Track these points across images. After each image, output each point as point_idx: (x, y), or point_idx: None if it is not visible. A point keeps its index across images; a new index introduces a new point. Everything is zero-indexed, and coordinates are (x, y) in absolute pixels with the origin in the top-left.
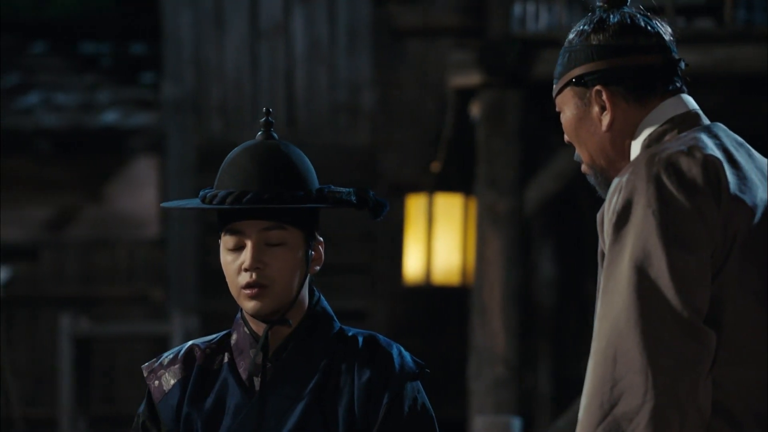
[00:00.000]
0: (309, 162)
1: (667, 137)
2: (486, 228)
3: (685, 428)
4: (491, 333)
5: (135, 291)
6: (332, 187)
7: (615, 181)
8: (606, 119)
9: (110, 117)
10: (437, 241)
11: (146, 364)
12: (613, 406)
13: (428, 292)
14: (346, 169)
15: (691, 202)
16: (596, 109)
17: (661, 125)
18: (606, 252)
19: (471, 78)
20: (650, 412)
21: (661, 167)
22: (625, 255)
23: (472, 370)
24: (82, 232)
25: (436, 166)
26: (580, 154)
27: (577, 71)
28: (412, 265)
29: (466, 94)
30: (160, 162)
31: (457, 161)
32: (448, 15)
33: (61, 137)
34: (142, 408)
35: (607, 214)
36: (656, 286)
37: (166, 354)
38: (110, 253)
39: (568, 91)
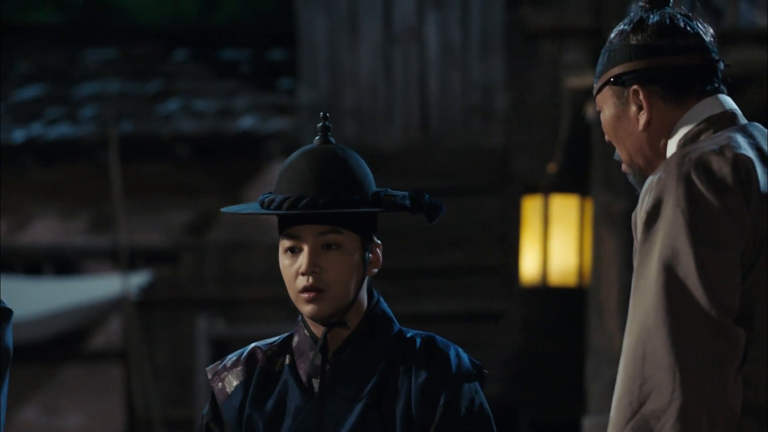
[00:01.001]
0: (366, 166)
1: (702, 137)
2: (602, 229)
3: (714, 427)
4: (608, 333)
5: (271, 293)
6: (388, 190)
7: (648, 181)
8: (643, 119)
9: (247, 122)
10: (553, 242)
11: (210, 366)
12: (641, 404)
13: (575, 293)
14: (479, 171)
15: (721, 202)
16: (633, 108)
17: (697, 125)
18: (637, 251)
19: (586, 79)
20: (678, 410)
21: (692, 166)
22: (655, 254)
23: (590, 371)
24: (220, 236)
25: (552, 167)
26: (620, 153)
27: (616, 70)
28: (529, 266)
29: (581, 95)
30: None
31: (573, 162)
32: (580, 16)
33: (199, 143)
34: (206, 410)
35: (639, 212)
36: (684, 284)
37: (229, 356)
38: (248, 256)
39: (606, 90)
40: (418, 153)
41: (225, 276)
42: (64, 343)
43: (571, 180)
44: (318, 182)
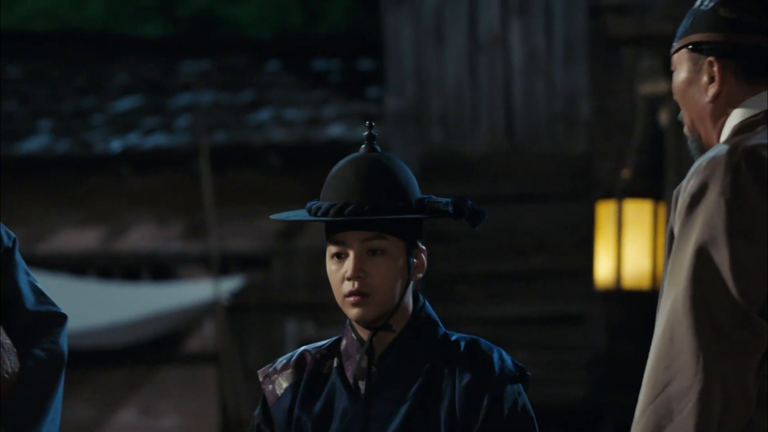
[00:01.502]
0: (410, 173)
1: (759, 128)
2: None
3: (729, 414)
4: None
5: None
6: (432, 197)
7: (696, 163)
8: (712, 90)
9: (336, 131)
10: (628, 247)
11: (262, 369)
12: (666, 385)
13: (649, 296)
14: (562, 176)
15: (765, 198)
16: (705, 78)
17: (755, 115)
18: (676, 232)
19: (659, 85)
20: (698, 393)
21: (742, 158)
22: (692, 238)
23: None
24: (310, 242)
25: (626, 173)
26: (684, 116)
27: (696, 37)
28: (604, 270)
29: (656, 102)
30: None
31: (647, 168)
32: (663, 23)
33: (289, 151)
34: (257, 411)
35: (682, 194)
36: (717, 272)
37: (280, 359)
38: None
39: (684, 53)
40: (502, 159)
41: (314, 280)
42: (160, 347)
43: (646, 185)
44: (363, 190)
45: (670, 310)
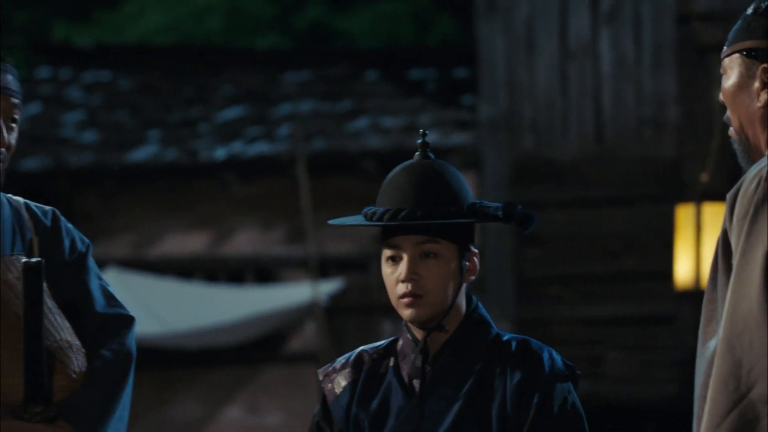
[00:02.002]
0: (462, 179)
1: None
2: None
3: None
4: None
5: None
6: (483, 202)
7: (757, 167)
8: (764, 96)
9: (430, 137)
10: (706, 249)
11: (322, 369)
12: (749, 389)
13: None
14: (651, 180)
15: None
16: (758, 84)
17: None
18: (735, 238)
19: None
20: None
21: None
22: (761, 245)
23: None
24: None
25: (705, 176)
26: (731, 118)
27: (750, 44)
28: (683, 272)
29: None
30: (477, 178)
31: (726, 171)
32: None
33: (385, 157)
34: (317, 409)
35: (741, 199)
36: None
37: (339, 359)
38: None
39: (736, 58)
40: (593, 164)
41: None
42: (264, 346)
43: (725, 188)
44: (416, 195)
45: (745, 317)
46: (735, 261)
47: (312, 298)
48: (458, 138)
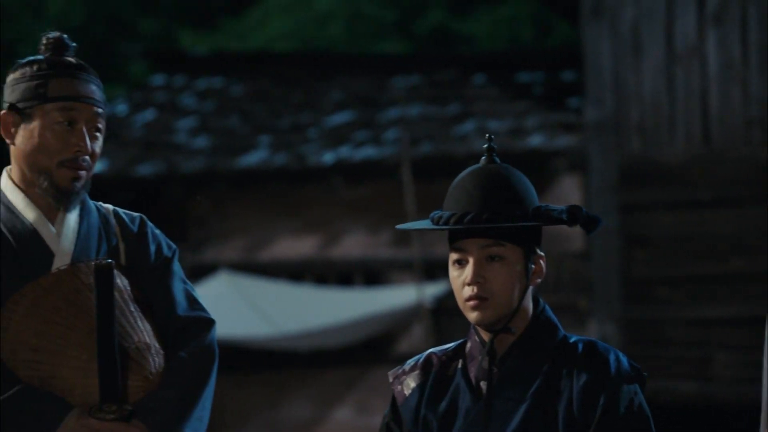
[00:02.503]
0: (528, 183)
1: None
2: None
3: None
4: None
5: (562, 300)
6: (549, 206)
7: None
8: None
9: (536, 140)
10: None
11: (392, 371)
12: None
13: None
14: (759, 181)
15: None
16: None
17: None
18: None
19: None
20: None
21: None
22: None
23: None
24: None
25: None
26: None
27: None
28: None
29: None
30: (583, 180)
31: None
32: None
33: None
34: (387, 411)
35: None
36: None
37: (409, 362)
38: None
39: None
40: (700, 165)
41: None
42: (373, 348)
43: None
44: (482, 199)
45: None
46: None
47: (417, 300)
48: (564, 141)
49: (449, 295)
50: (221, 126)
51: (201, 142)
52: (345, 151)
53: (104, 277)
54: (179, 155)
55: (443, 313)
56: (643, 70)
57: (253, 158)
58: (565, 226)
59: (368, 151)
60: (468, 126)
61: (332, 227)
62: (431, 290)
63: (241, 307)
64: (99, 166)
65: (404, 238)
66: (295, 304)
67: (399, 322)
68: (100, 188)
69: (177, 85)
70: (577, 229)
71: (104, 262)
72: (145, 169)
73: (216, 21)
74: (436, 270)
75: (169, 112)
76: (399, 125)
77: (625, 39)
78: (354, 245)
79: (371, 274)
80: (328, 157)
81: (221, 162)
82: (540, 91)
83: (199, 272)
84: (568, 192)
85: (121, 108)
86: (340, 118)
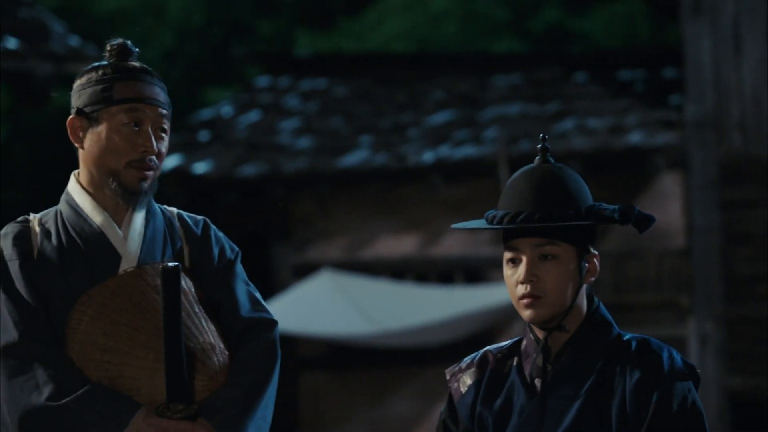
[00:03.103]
0: (582, 182)
1: None
2: None
3: None
4: None
5: (663, 298)
6: (602, 205)
7: None
8: None
9: (635, 138)
10: None
11: (449, 368)
12: None
13: None
14: None
15: None
16: None
17: None
18: None
19: None
20: None
21: None
22: None
23: None
24: (614, 245)
25: None
26: None
27: None
28: None
29: None
30: (683, 177)
31: None
32: None
33: (590, 159)
34: (443, 408)
35: None
36: None
37: (465, 359)
38: (640, 263)
39: None
40: None
41: (619, 282)
42: (475, 345)
43: None
44: (535, 199)
45: None
46: None
47: None
48: (664, 138)
49: None
50: (324, 127)
51: (304, 142)
52: (444, 150)
53: (171, 280)
54: (282, 156)
55: None
56: (744, 67)
57: (354, 158)
58: (663, 225)
59: (467, 150)
60: (567, 124)
61: (432, 226)
62: None
63: (343, 305)
64: (204, 167)
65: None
66: (396, 303)
67: (499, 319)
68: (205, 189)
69: (282, 87)
70: (678, 227)
71: (171, 264)
72: (248, 170)
73: (333, 22)
74: None
75: (274, 113)
76: (499, 124)
77: (725, 36)
78: (454, 244)
79: (471, 272)
80: (428, 157)
81: (323, 162)
82: (641, 89)
83: (302, 271)
84: (668, 189)
85: (227, 110)
86: (440, 117)
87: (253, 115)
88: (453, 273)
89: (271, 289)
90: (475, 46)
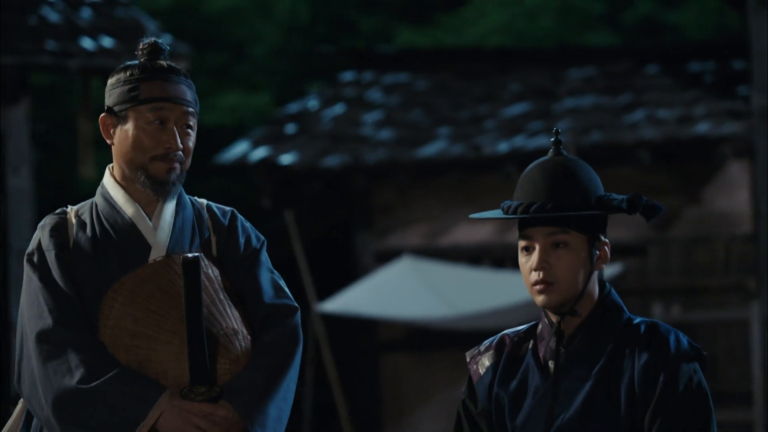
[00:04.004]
0: (593, 173)
1: None
2: None
3: None
4: None
5: (730, 282)
6: (612, 195)
7: None
8: None
9: (703, 127)
10: None
11: (469, 351)
12: None
13: None
14: None
15: None
16: None
17: None
18: None
19: None
20: None
21: None
22: None
23: None
24: (683, 231)
25: None
26: None
27: None
28: None
29: None
30: (750, 165)
31: None
32: None
33: (659, 148)
34: (464, 388)
35: None
36: None
37: (485, 342)
38: (709, 248)
39: None
40: None
41: (689, 267)
42: None
43: None
44: (547, 190)
45: None
46: None
47: None
48: (730, 128)
49: (623, 277)
50: (405, 119)
51: (385, 134)
52: (519, 141)
53: (191, 269)
54: (364, 147)
55: (622, 294)
56: None
57: (432, 149)
58: (730, 212)
59: (540, 141)
60: (638, 115)
61: None
62: (607, 272)
63: (422, 289)
64: (289, 158)
65: None
66: (473, 287)
67: None
68: (291, 179)
69: (365, 81)
70: (746, 214)
71: (191, 256)
72: (332, 161)
73: (432, 17)
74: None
75: (357, 106)
76: (573, 115)
77: None
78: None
79: None
80: (503, 147)
81: (403, 153)
82: (711, 80)
83: (383, 257)
84: (736, 177)
85: (313, 103)
86: (516, 109)
87: (337, 108)
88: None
89: (353, 275)
90: (570, 39)
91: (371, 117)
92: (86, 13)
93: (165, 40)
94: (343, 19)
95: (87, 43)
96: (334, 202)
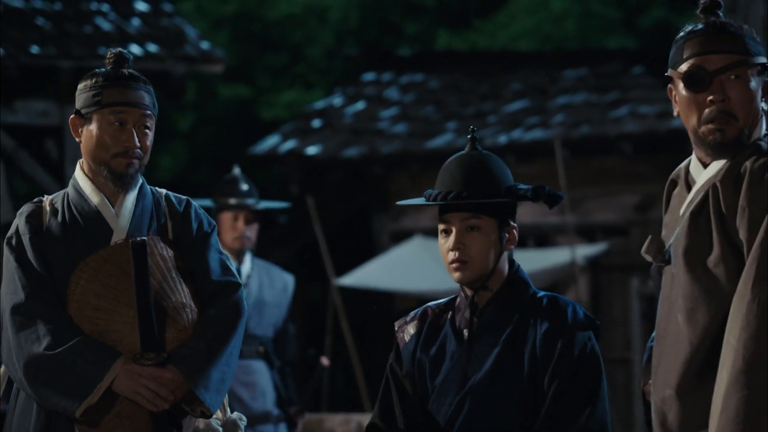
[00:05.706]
0: (504, 166)
1: None
2: None
3: None
4: None
5: None
6: (519, 185)
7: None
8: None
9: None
10: None
11: (397, 321)
12: None
13: None
14: None
15: None
16: (760, 89)
17: None
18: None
19: None
20: None
21: None
22: None
23: None
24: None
25: None
26: (739, 113)
27: (763, 59)
28: None
29: None
30: None
31: None
32: None
33: (639, 139)
34: (392, 354)
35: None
36: None
37: (410, 313)
38: None
39: (754, 69)
40: None
41: None
42: None
43: None
44: (463, 180)
45: None
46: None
47: (571, 259)
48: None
49: (606, 255)
50: (418, 114)
51: (400, 128)
52: (516, 134)
53: (139, 251)
54: (381, 139)
55: (601, 271)
56: None
57: (441, 141)
58: None
59: (535, 134)
60: (622, 110)
61: None
62: (584, 251)
63: (432, 266)
64: (314, 150)
65: (568, 206)
66: None
67: (563, 275)
68: (316, 168)
69: (384, 81)
70: None
71: (139, 239)
72: (352, 152)
73: (469, 22)
74: (596, 233)
75: (376, 103)
76: (564, 111)
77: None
78: (527, 213)
79: (541, 237)
80: (502, 139)
81: (415, 145)
82: None
83: (398, 237)
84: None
85: (337, 100)
86: (516, 105)
87: (359, 105)
88: (526, 238)
89: (372, 253)
90: (590, 42)
91: (388, 113)
92: (135, 22)
93: (204, 45)
94: (389, 24)
95: (135, 49)
96: (354, 189)
